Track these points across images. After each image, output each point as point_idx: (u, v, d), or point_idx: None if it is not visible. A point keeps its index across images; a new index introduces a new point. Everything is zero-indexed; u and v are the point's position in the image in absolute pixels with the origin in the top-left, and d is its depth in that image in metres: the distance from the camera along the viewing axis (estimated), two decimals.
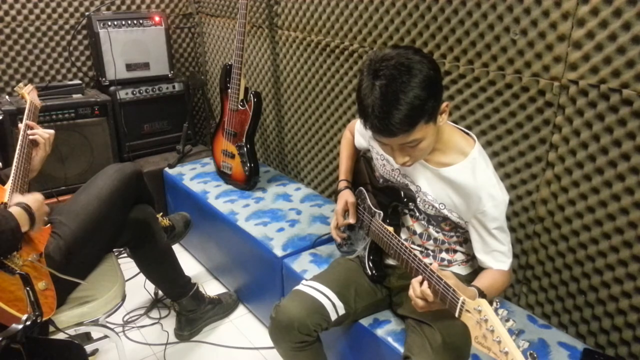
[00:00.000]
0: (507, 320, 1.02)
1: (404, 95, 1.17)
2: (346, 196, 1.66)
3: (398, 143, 1.27)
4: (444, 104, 1.27)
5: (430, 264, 1.26)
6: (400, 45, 1.29)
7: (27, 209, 1.35)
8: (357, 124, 1.69)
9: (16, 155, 1.61)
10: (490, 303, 1.06)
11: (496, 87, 1.62)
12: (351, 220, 1.63)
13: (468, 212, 1.37)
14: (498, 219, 1.35)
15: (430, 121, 1.24)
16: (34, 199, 1.41)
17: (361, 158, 1.72)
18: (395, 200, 1.49)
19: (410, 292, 1.25)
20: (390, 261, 1.58)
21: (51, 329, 1.49)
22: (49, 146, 1.70)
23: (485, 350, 1.04)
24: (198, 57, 3.38)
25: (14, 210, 1.32)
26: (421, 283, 1.23)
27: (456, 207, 1.39)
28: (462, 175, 1.34)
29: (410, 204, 1.47)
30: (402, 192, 1.47)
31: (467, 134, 1.42)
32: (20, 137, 1.65)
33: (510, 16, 1.53)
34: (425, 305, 1.23)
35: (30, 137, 1.66)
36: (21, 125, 1.68)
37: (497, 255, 1.39)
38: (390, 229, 1.45)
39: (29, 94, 1.86)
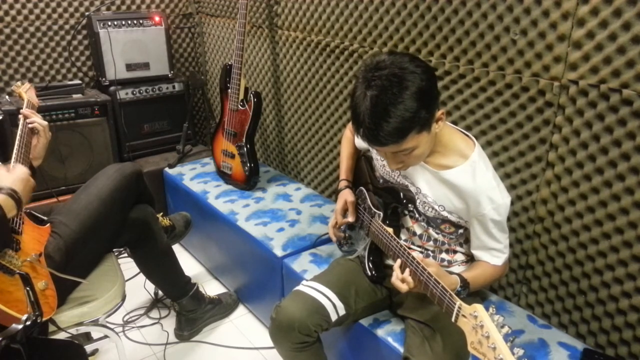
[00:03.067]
0: (503, 327, 1.02)
1: (393, 108, 1.17)
2: (346, 195, 1.66)
3: (390, 151, 1.28)
4: (439, 112, 1.27)
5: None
6: (396, 52, 1.28)
7: (12, 194, 1.33)
8: None
9: (16, 145, 1.62)
10: (487, 308, 1.06)
11: (496, 87, 1.62)
12: (350, 219, 1.63)
13: (468, 214, 1.38)
14: (498, 222, 1.35)
15: (422, 131, 1.24)
16: (20, 178, 1.38)
17: (362, 157, 1.72)
18: (394, 202, 1.49)
19: (394, 278, 1.30)
20: (391, 262, 1.58)
21: (51, 328, 1.49)
22: (48, 132, 1.72)
23: (481, 357, 1.04)
24: (198, 57, 3.38)
25: None
26: (402, 270, 1.29)
27: (456, 209, 1.39)
28: (462, 178, 1.34)
29: (409, 205, 1.47)
30: (401, 194, 1.47)
31: (467, 135, 1.42)
32: (19, 127, 1.66)
33: (510, 16, 1.53)
34: (407, 289, 1.28)
35: (30, 125, 1.67)
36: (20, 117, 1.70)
37: (492, 252, 1.42)
38: (390, 230, 1.45)
39: (26, 93, 1.87)
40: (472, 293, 1.44)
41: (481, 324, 1.04)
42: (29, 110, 1.72)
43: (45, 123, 1.71)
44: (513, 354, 0.97)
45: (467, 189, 1.33)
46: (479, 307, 1.06)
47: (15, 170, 1.43)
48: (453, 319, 1.14)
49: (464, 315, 1.10)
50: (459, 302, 1.13)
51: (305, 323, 1.45)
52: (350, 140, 1.74)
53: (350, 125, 1.76)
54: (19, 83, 1.95)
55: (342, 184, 1.71)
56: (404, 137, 1.21)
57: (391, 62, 1.21)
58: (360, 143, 1.68)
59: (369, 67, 1.23)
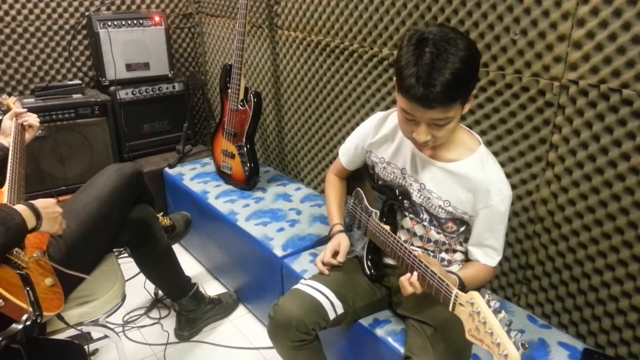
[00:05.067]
0: (499, 312, 1.03)
1: (452, 65, 1.17)
2: (340, 238, 1.63)
3: (430, 117, 1.25)
4: (474, 91, 1.28)
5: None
6: (444, 24, 1.30)
7: (31, 206, 1.35)
8: (342, 149, 1.68)
9: (11, 147, 1.66)
10: (483, 295, 1.07)
11: (496, 87, 1.62)
12: (340, 259, 1.59)
13: (474, 207, 1.38)
14: (503, 214, 1.37)
15: (463, 103, 1.26)
16: (42, 201, 1.41)
17: None
18: (390, 198, 1.49)
19: (407, 285, 1.30)
20: (390, 261, 1.58)
21: (51, 328, 1.49)
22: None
23: (479, 343, 1.06)
24: (198, 57, 3.38)
25: (18, 207, 1.32)
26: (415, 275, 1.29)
27: (462, 203, 1.39)
28: (470, 170, 1.35)
29: (405, 201, 1.47)
30: (396, 190, 1.47)
31: (472, 133, 1.43)
32: (13, 130, 1.73)
33: (510, 16, 1.53)
34: (412, 292, 1.29)
35: (25, 123, 1.78)
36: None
37: (488, 251, 1.42)
38: (387, 227, 1.45)
39: (14, 104, 1.90)
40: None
41: (477, 311, 1.05)
42: (19, 110, 1.81)
43: (38, 118, 1.82)
44: (510, 337, 0.98)
45: (477, 179, 1.34)
46: (475, 294, 1.08)
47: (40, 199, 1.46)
48: (450, 308, 1.15)
49: (460, 304, 1.12)
50: (455, 290, 1.14)
51: (302, 321, 1.45)
52: (336, 184, 1.73)
53: (333, 168, 1.74)
54: (5, 96, 1.99)
55: (337, 228, 1.66)
56: (454, 101, 1.21)
57: (440, 30, 1.21)
58: (354, 161, 1.66)
59: (417, 32, 1.23)
